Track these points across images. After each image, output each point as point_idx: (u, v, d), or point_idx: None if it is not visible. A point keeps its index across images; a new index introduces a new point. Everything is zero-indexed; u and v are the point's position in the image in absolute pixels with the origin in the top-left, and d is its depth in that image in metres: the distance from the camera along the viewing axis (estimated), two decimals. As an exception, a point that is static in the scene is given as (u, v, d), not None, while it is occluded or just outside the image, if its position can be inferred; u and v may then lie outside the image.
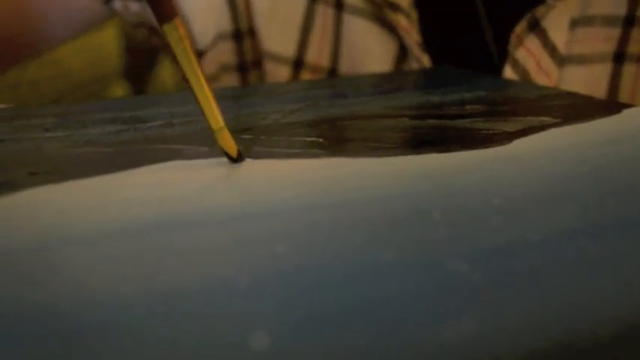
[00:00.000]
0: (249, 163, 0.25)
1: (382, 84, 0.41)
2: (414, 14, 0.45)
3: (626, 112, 0.32)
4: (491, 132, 0.29)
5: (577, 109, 0.33)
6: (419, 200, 0.22)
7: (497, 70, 0.44)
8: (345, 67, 0.48)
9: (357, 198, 0.22)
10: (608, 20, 0.43)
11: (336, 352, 0.14)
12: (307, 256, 0.18)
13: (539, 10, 0.42)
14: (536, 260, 0.18)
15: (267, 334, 0.15)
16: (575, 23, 0.43)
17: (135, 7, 0.48)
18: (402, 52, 0.46)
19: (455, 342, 0.14)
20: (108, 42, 0.91)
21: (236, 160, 0.26)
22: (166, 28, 0.24)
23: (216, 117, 0.25)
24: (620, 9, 0.42)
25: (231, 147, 0.25)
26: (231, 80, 0.50)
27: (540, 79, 0.43)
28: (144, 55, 0.94)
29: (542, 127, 0.29)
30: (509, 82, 0.41)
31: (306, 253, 0.18)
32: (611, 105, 0.34)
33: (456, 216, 0.21)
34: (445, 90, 0.37)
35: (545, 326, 0.15)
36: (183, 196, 0.22)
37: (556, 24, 0.42)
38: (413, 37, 0.45)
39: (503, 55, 0.44)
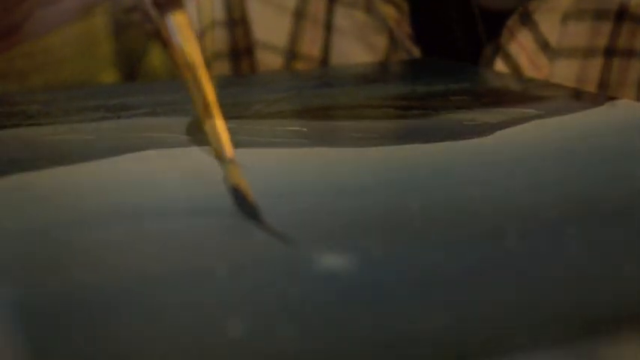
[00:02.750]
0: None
1: (369, 74, 0.41)
2: (405, 6, 0.45)
3: (608, 104, 0.32)
4: (473, 123, 0.29)
5: (561, 101, 0.33)
6: (396, 190, 0.22)
7: (489, 63, 0.44)
8: (336, 58, 0.48)
9: (334, 187, 0.22)
10: (599, 14, 0.43)
11: (310, 340, 0.14)
12: (282, 244, 0.18)
13: (532, 4, 0.42)
14: (511, 250, 0.18)
15: (241, 322, 0.15)
16: (566, 17, 0.43)
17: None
18: (393, 44, 0.46)
19: (426, 332, 0.14)
20: (98, 30, 0.91)
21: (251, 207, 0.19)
22: (173, 18, 0.20)
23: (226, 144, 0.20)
24: (612, 3, 0.43)
25: (244, 186, 0.20)
26: (223, 68, 0.51)
27: (531, 73, 0.43)
28: (134, 43, 0.94)
29: (525, 119, 0.29)
30: (495, 74, 0.41)
31: (282, 241, 0.18)
32: (595, 98, 0.34)
33: (432, 206, 0.21)
34: (431, 81, 0.37)
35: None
36: (161, 183, 0.22)
37: (548, 17, 0.43)
38: (403, 28, 0.45)
39: (495, 48, 0.44)
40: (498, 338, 0.13)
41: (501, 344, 0.13)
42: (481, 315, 0.14)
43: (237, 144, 0.25)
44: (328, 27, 0.47)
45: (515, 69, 0.43)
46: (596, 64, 0.43)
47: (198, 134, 0.26)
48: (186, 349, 0.14)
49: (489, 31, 0.44)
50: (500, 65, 0.43)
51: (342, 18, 0.47)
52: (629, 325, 0.14)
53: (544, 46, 0.43)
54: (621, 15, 0.43)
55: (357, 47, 0.47)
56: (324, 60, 0.48)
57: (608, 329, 0.14)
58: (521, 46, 0.43)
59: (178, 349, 0.14)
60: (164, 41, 0.51)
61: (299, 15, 0.47)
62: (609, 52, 0.43)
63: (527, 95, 0.35)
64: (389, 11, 0.45)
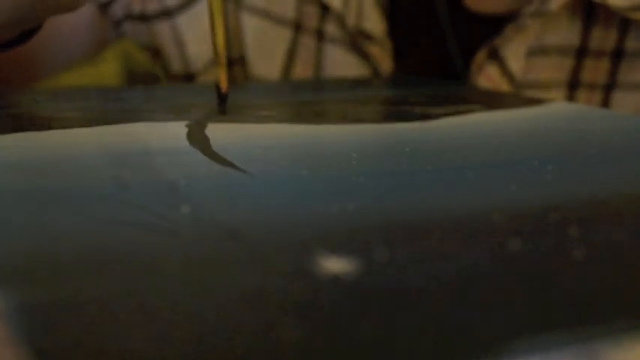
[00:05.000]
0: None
1: (357, 84, 0.46)
2: (388, 44, 0.49)
3: (546, 104, 0.36)
4: (423, 113, 0.33)
5: (505, 101, 0.37)
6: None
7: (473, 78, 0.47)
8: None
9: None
10: (561, 50, 0.46)
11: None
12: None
13: (498, 41, 0.45)
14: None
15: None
16: (531, 53, 0.46)
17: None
18: (376, 78, 0.50)
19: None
20: (109, 75, 0.96)
21: (222, 96, 0.31)
22: None
23: (223, 54, 0.31)
24: (573, 40, 0.45)
25: (224, 83, 0.31)
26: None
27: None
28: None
29: (468, 112, 0.33)
30: (458, 86, 0.45)
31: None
32: (535, 100, 0.38)
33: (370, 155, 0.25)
34: (403, 89, 0.41)
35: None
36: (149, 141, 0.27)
37: (513, 53, 0.45)
38: (385, 64, 0.49)
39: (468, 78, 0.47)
40: (499, 338, 0.13)
41: (501, 344, 0.13)
42: (481, 315, 0.14)
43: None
44: (317, 64, 0.51)
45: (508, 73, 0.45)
46: (560, 95, 0.45)
47: (181, 114, 0.30)
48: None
49: (464, 59, 0.47)
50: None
51: (330, 55, 0.50)
52: (629, 325, 0.14)
53: (510, 78, 0.45)
54: (582, 51, 0.45)
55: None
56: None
57: (608, 329, 0.14)
58: (489, 79, 0.46)
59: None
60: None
61: (291, 54, 0.51)
62: (573, 85, 0.46)
63: (477, 97, 0.39)
64: (371, 49, 0.49)
